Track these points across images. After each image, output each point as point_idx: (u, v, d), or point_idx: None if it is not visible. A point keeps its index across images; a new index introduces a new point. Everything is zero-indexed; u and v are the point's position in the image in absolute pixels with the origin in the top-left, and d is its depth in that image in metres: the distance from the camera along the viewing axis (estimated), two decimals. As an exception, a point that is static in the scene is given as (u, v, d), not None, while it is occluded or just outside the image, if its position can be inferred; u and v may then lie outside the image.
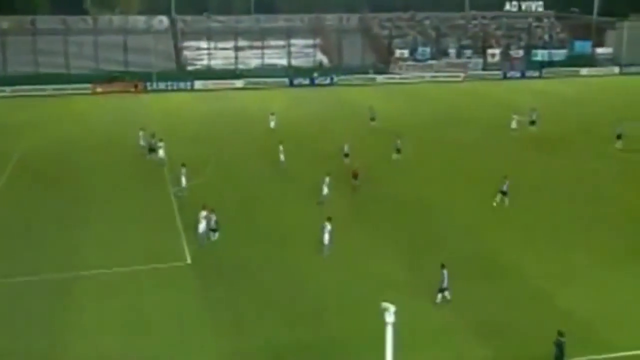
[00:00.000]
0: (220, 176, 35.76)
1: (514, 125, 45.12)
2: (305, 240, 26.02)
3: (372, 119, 47.12)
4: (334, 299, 21.62)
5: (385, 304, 14.43)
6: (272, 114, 46.58)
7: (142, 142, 40.51)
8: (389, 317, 14.37)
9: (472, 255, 24.88)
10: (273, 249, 25.79)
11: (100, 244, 26.43)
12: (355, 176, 31.96)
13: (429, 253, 24.69)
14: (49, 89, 64.58)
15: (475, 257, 24.82)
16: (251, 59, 75.15)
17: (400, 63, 76.26)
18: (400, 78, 74.16)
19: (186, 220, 28.24)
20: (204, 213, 26.06)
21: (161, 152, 37.30)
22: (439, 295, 20.81)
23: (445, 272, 20.90)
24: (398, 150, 37.92)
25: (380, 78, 73.64)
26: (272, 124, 45.82)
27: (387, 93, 66.45)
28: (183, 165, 32.88)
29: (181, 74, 70.73)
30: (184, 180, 31.97)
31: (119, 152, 41.71)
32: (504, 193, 30.24)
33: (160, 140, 38.04)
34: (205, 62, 74.13)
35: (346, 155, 37.72)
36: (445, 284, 20.79)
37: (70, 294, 22.05)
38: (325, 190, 30.10)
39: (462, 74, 75.42)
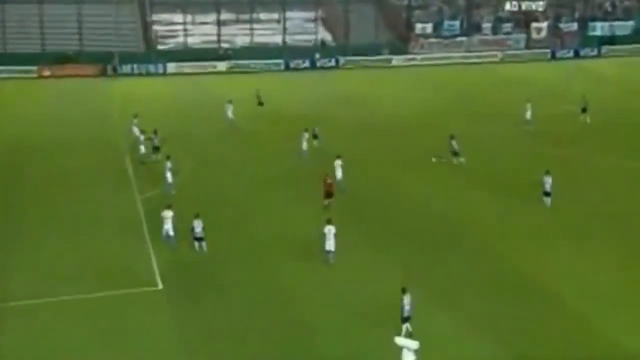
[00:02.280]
0: (201, 177, 36.12)
1: (528, 116, 45.34)
2: (297, 249, 26.61)
3: (260, 104, 48.59)
4: (328, 318, 21.98)
5: (403, 340, 14.01)
6: (230, 101, 46.59)
7: (136, 132, 40.48)
8: (409, 357, 13.87)
9: (491, 269, 25.54)
10: (258, 260, 26.20)
11: (41, 266, 25.97)
12: (329, 194, 30.46)
13: (440, 265, 25.56)
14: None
15: (493, 270, 25.47)
16: (238, 37, 74.84)
17: (422, 41, 76.06)
18: (422, 59, 74.11)
19: (156, 233, 27.75)
20: (169, 213, 26.59)
21: (142, 148, 38.11)
22: (404, 327, 20.24)
23: (406, 298, 20.34)
24: (455, 153, 37.35)
25: (397, 59, 73.60)
26: (229, 114, 45.89)
27: (404, 78, 66.34)
28: (168, 157, 33.60)
29: (150, 54, 70.46)
30: (169, 176, 32.73)
31: (72, 150, 41.30)
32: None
33: (148, 136, 38.49)
34: (180, 39, 73.87)
35: (315, 136, 39.52)
36: (407, 313, 20.22)
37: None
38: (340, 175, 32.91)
39: (499, 54, 75.26)
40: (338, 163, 33.35)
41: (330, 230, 25.25)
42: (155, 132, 38.28)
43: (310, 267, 25.43)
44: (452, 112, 50.68)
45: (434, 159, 37.13)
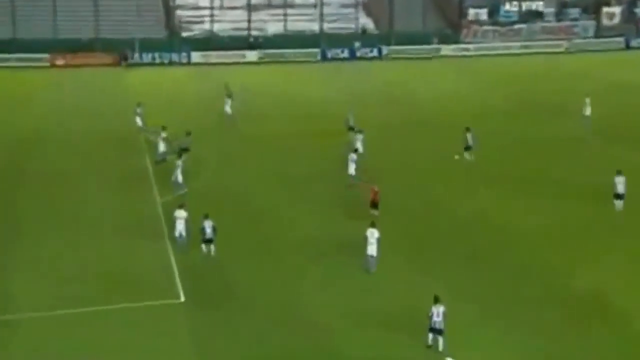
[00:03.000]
0: (222, 176, 36.42)
1: (587, 112, 44.75)
2: (323, 252, 27.53)
3: (229, 96, 48.59)
4: (353, 326, 22.50)
5: None
6: (229, 96, 47.10)
7: (138, 122, 42.67)
8: None
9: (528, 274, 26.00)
10: (282, 263, 27.02)
11: (48, 273, 26.10)
12: (375, 204, 30.53)
13: (474, 271, 25.98)
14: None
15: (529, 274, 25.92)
16: (270, 23, 74.90)
17: (476, 28, 75.66)
18: (476, 49, 73.87)
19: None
20: (183, 213, 27.60)
21: (162, 147, 37.84)
22: (430, 336, 21.25)
23: (436, 309, 21.12)
24: (467, 148, 38.21)
25: (447, 49, 73.51)
26: (227, 108, 46.56)
27: (455, 70, 66.13)
28: (180, 155, 34.54)
29: (173, 42, 70.84)
30: (179, 175, 33.48)
31: (86, 146, 41.68)
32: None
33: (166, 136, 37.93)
34: (206, 26, 73.99)
35: (351, 129, 40.63)
36: (437, 324, 21.05)
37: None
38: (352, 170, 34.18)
39: (564, 43, 74.52)
40: (352, 157, 34.28)
41: (372, 233, 25.95)
42: (188, 134, 37.98)
43: (336, 271, 26.06)
44: (508, 109, 50.25)
45: (456, 156, 37.90)
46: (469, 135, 38.01)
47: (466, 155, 37.96)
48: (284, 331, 21.99)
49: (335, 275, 25.65)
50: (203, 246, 26.81)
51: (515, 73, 63.60)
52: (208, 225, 26.76)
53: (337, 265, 26.34)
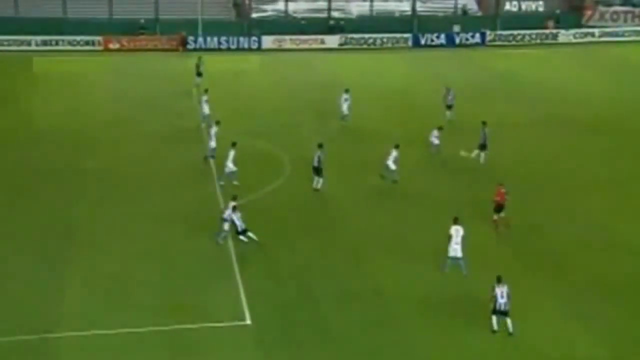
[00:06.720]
0: (298, 182, 37.12)
1: None
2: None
3: (199, 74, 53.88)
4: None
5: None
6: (347, 91, 46.71)
7: (205, 110, 44.80)
8: None
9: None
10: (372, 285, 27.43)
11: (101, 290, 27.05)
12: (499, 207, 31.12)
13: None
14: (36, 41, 66.93)
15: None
16: (353, 3, 75.63)
17: (602, 10, 75.00)
18: (602, 35, 72.88)
19: (245, 255, 28.95)
20: (232, 204, 30.08)
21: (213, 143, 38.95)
22: (494, 319, 23.32)
23: (500, 290, 23.00)
24: (483, 146, 38.77)
25: (566, 35, 72.66)
26: (344, 108, 46.14)
27: (577, 60, 65.41)
28: (234, 144, 36.26)
29: (241, 24, 71.93)
30: (231, 165, 35.79)
31: (142, 142, 42.99)
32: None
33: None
34: (280, 6, 75.13)
35: (449, 107, 44.97)
36: (503, 305, 23.02)
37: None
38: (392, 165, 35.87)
39: None
40: (393, 154, 35.71)
41: (457, 231, 26.45)
42: (320, 146, 37.75)
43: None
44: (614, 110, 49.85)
45: (462, 153, 39.15)
46: (483, 132, 38.53)
47: (475, 154, 38.48)
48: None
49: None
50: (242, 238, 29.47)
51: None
52: (237, 215, 29.26)
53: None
